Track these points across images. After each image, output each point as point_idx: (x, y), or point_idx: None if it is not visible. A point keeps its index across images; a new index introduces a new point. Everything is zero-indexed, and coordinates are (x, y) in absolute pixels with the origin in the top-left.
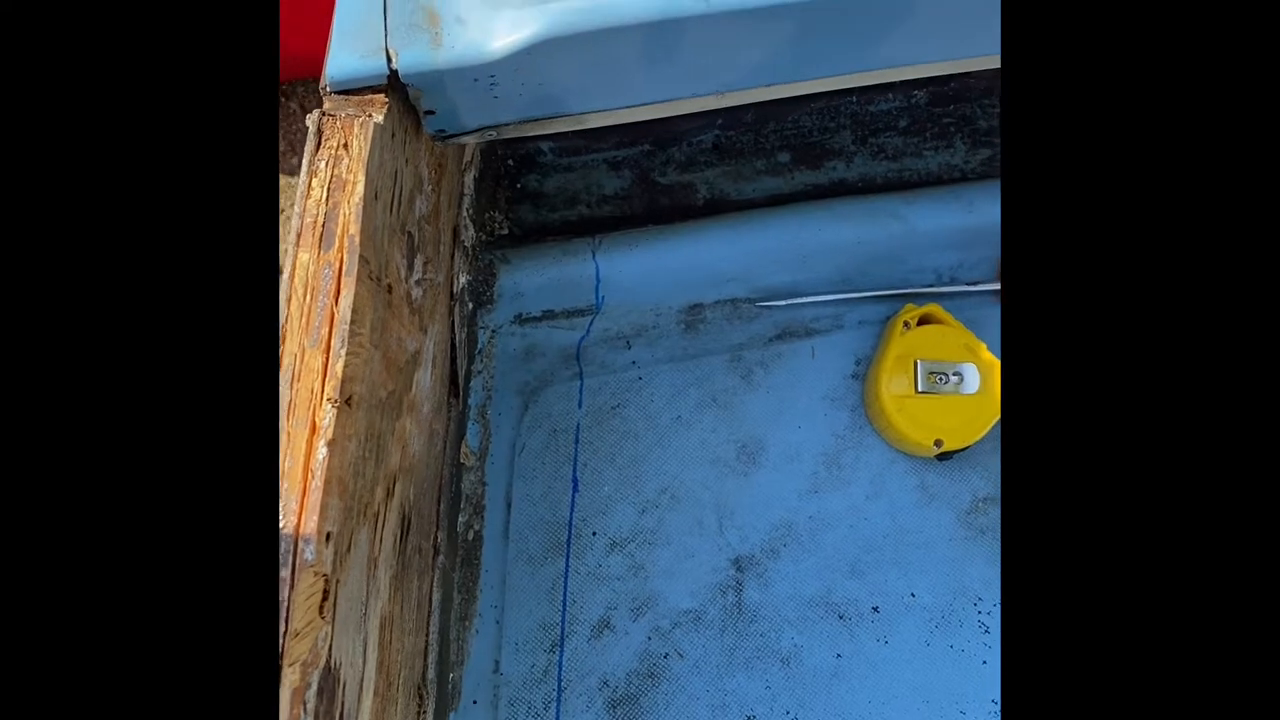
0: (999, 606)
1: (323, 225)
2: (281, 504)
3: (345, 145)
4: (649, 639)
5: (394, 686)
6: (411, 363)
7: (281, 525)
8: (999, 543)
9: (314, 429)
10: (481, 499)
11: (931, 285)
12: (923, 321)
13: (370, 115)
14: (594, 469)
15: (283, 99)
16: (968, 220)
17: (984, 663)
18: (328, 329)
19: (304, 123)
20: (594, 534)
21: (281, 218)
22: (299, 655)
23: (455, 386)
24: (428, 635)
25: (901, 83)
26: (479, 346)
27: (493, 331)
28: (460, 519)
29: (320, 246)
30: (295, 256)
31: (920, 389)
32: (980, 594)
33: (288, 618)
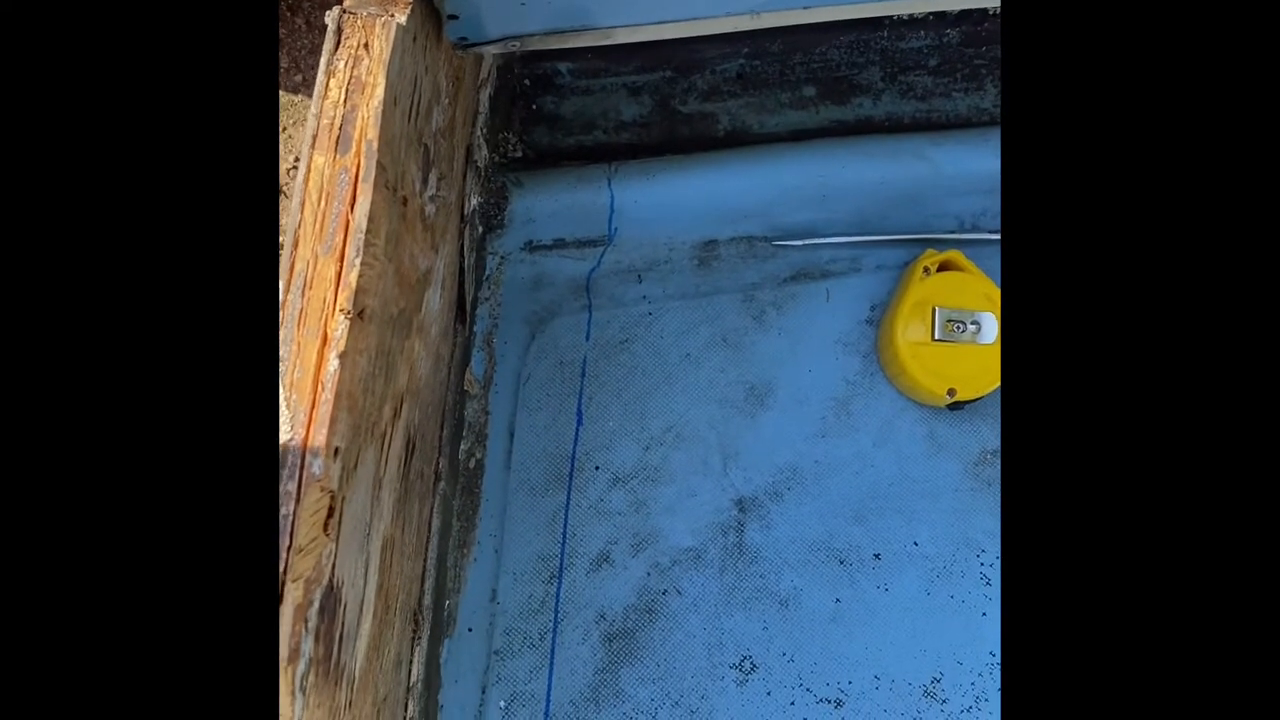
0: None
1: (340, 128)
2: (290, 415)
3: (366, 45)
4: (648, 575)
5: (392, 610)
6: (422, 282)
7: (289, 437)
8: None
9: (325, 340)
10: (484, 427)
11: (953, 231)
12: (943, 268)
13: (392, 15)
14: (600, 403)
15: (288, 14)
16: (995, 166)
17: (984, 614)
18: (342, 236)
19: (309, 39)
20: (597, 468)
21: (283, 136)
22: (302, 571)
23: (462, 312)
24: (425, 561)
25: (934, 20)
26: (487, 272)
27: (502, 258)
28: (462, 447)
29: (337, 150)
30: (310, 159)
31: (937, 336)
32: (984, 546)
33: (292, 532)
